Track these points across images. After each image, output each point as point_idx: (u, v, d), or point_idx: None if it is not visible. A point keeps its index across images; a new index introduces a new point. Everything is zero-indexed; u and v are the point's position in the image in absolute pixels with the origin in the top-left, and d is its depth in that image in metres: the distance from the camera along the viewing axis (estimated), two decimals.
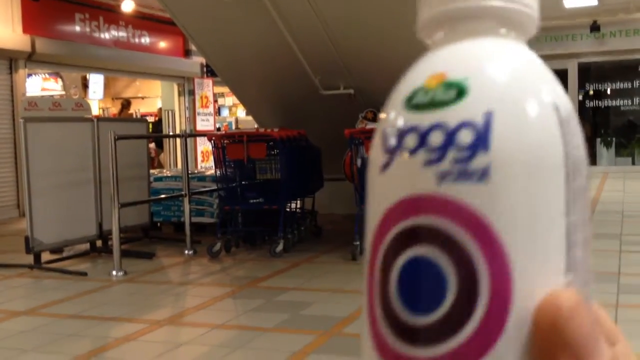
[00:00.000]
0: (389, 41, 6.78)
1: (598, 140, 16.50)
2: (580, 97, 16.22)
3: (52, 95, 11.07)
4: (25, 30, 9.54)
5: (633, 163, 16.12)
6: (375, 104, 7.56)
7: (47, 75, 12.66)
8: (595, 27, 15.10)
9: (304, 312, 4.27)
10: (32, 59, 9.72)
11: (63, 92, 12.62)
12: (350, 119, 7.44)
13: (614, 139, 16.35)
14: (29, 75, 12.32)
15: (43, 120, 5.97)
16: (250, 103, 8.70)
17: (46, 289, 5.25)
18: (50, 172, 5.96)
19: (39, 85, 12.56)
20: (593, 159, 16.45)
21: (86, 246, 6.58)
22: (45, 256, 6.27)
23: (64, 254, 6.49)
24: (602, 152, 16.52)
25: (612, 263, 5.44)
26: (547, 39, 15.84)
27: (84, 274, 5.65)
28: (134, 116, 13.43)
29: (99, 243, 6.62)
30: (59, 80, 12.83)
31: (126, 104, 13.28)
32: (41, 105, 6.11)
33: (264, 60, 7.44)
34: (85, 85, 13.76)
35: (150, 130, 11.38)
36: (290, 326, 3.97)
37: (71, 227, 6.14)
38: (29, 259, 5.90)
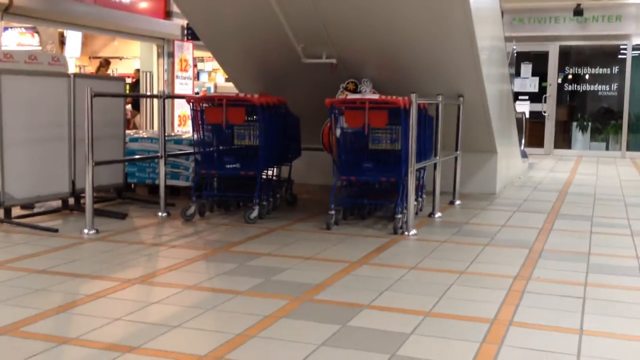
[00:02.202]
0: (374, 12, 6.72)
1: (574, 124, 16.64)
2: (559, 81, 16.31)
3: (28, 50, 10.83)
4: None
5: (607, 148, 16.31)
6: (357, 74, 7.52)
7: (23, 30, 12.41)
8: (578, 11, 15.15)
9: (277, 277, 4.28)
10: (8, 12, 9.49)
11: (40, 48, 12.38)
12: (331, 89, 7.40)
13: (589, 123, 16.51)
14: (5, 28, 12.06)
15: (18, 73, 5.85)
16: (231, 68, 8.61)
17: (16, 244, 5.18)
18: (24, 127, 5.86)
19: (15, 40, 12.30)
20: (568, 142, 16.61)
21: (58, 203, 6.50)
22: (16, 211, 6.20)
23: (35, 210, 6.41)
24: (577, 136, 16.69)
25: (582, 243, 5.51)
26: (530, 21, 15.87)
27: (55, 230, 5.59)
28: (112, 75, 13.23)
29: (71, 201, 6.55)
30: (36, 35, 12.57)
31: (104, 62, 13.06)
32: (17, 58, 5.98)
33: (246, 24, 7.34)
34: (62, 42, 13.50)
35: (128, 92, 11.23)
36: (262, 291, 3.97)
37: (44, 183, 6.06)
38: None
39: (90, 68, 14.80)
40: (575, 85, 16.42)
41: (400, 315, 3.55)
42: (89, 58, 15.12)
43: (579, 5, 15.05)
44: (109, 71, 13.64)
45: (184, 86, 13.31)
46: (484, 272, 4.54)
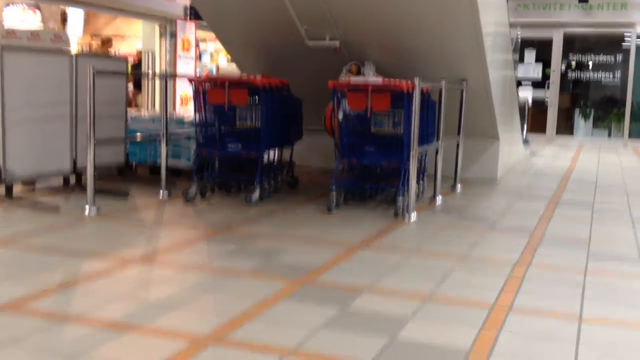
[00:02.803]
0: None
1: (576, 111, 16.61)
2: (563, 68, 16.25)
3: (30, 28, 10.77)
4: None
5: (609, 136, 16.28)
6: (360, 57, 7.49)
7: (25, 7, 12.32)
8: None
9: (277, 259, 4.28)
10: None
11: (41, 25, 12.30)
12: (334, 71, 7.37)
13: (592, 111, 16.47)
14: (7, 5, 11.99)
15: (21, 50, 5.82)
16: (234, 48, 8.57)
17: (17, 221, 5.18)
18: (27, 104, 5.84)
19: (18, 16, 12.22)
20: (570, 129, 16.58)
21: (59, 181, 6.50)
22: (18, 188, 6.19)
23: (37, 187, 6.41)
24: (580, 123, 16.66)
25: (583, 230, 5.52)
26: (535, 7, 15.78)
27: (57, 208, 5.59)
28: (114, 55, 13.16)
29: (72, 179, 6.54)
30: (37, 12, 12.49)
31: (107, 40, 13.00)
32: (19, 35, 5.95)
33: (250, 5, 7.30)
34: (64, 20, 13.42)
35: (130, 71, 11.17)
36: (262, 272, 3.97)
37: (45, 160, 6.05)
38: (1, 190, 5.82)
39: (94, 46, 14.72)
40: (579, 73, 16.37)
41: (400, 299, 3.56)
42: (91, 36, 15.04)
43: None
44: (111, 49, 13.56)
45: (186, 66, 13.25)
46: (484, 257, 4.54)
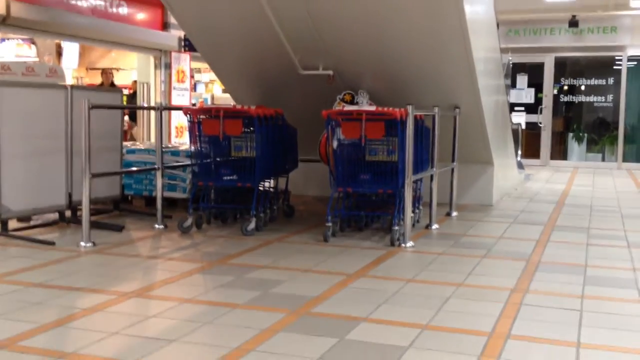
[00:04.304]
0: (371, 24, 6.76)
1: (570, 135, 16.69)
2: (555, 92, 16.36)
3: (25, 62, 10.84)
4: None
5: (603, 159, 16.35)
6: (353, 86, 7.55)
7: (20, 41, 12.42)
8: (573, 23, 15.22)
9: (274, 290, 4.27)
10: (6, 23, 9.50)
11: (37, 59, 12.38)
12: (328, 100, 7.42)
13: (585, 134, 16.55)
14: (2, 39, 12.08)
15: (16, 85, 5.85)
16: (227, 79, 8.63)
17: (12, 257, 5.17)
18: (22, 139, 5.86)
19: (13, 51, 12.31)
20: (564, 153, 16.65)
21: (55, 216, 6.50)
22: (13, 224, 6.18)
23: (32, 223, 6.40)
24: (574, 147, 16.72)
25: (579, 255, 5.52)
26: (526, 32, 15.94)
27: (52, 243, 5.58)
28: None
29: (68, 213, 6.54)
30: (33, 46, 12.59)
31: (108, 71, 13.06)
32: (14, 70, 5.99)
33: (244, 36, 7.37)
34: (59, 53, 13.51)
35: (125, 103, 11.22)
36: (260, 304, 3.96)
37: (40, 195, 6.05)
38: None
39: (88, 79, 14.80)
40: (571, 96, 16.48)
41: (397, 328, 3.55)
42: (86, 69, 15.13)
43: (574, 16, 15.12)
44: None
45: (181, 97, 13.32)
46: (481, 284, 4.54)
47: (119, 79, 14.77)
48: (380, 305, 3.97)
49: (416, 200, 6.56)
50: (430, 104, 6.65)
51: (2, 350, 3.11)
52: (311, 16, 6.75)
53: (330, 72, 7.39)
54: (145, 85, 12.97)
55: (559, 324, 3.67)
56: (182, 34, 12.47)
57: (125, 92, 12.80)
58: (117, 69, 14.66)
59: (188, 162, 7.01)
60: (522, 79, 16.27)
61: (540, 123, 16.08)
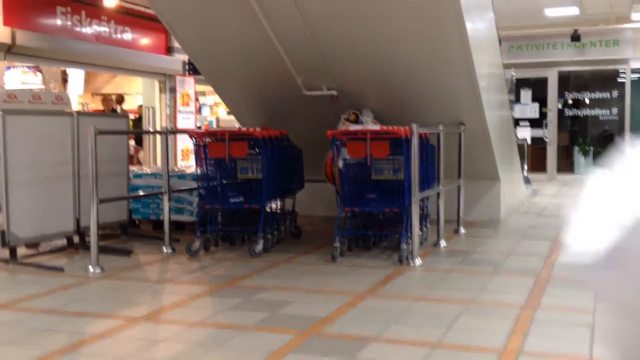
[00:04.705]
0: (373, 44, 6.79)
1: (576, 149, 16.66)
2: (560, 106, 16.37)
3: (31, 89, 10.93)
4: (6, 22, 9.41)
5: None
6: (357, 105, 7.57)
7: (26, 69, 12.50)
8: (575, 37, 15.24)
9: (283, 311, 4.26)
10: (11, 52, 9.59)
11: (42, 86, 12.47)
12: (333, 120, 7.43)
13: (591, 148, 16.52)
14: (8, 68, 12.16)
15: (23, 113, 5.89)
16: (232, 102, 8.67)
17: (22, 284, 5.18)
18: (29, 166, 5.89)
19: (19, 78, 12.39)
20: (570, 167, 16.60)
21: (63, 242, 6.51)
22: (21, 251, 6.19)
23: (40, 249, 6.41)
24: (580, 160, 16.67)
25: None
26: (528, 47, 15.97)
27: (61, 269, 5.58)
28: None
29: (76, 239, 6.55)
30: (38, 74, 12.67)
31: (119, 99, 13.12)
32: (21, 98, 6.05)
33: (247, 59, 7.42)
34: (64, 79, 13.60)
35: (131, 127, 11.26)
36: (269, 325, 3.95)
37: (48, 221, 6.07)
38: (5, 253, 5.82)
39: (94, 105, 14.88)
40: (576, 110, 16.47)
41: (408, 347, 3.53)
42: (92, 95, 15.22)
43: (576, 31, 15.16)
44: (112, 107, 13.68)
45: (186, 120, 13.38)
46: (491, 301, 4.51)
47: (125, 104, 14.86)
48: (390, 324, 3.95)
49: (423, 218, 6.54)
50: (434, 122, 6.66)
51: None
52: (314, 38, 6.80)
53: (334, 92, 7.42)
54: (150, 109, 13.05)
55: (570, 339, 3.65)
56: (186, 57, 12.55)
57: (131, 116, 12.87)
58: (122, 95, 14.68)
59: (195, 185, 7.02)
60: (526, 94, 16.28)
61: (546, 138, 16.07)
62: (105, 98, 13.20)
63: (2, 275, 5.50)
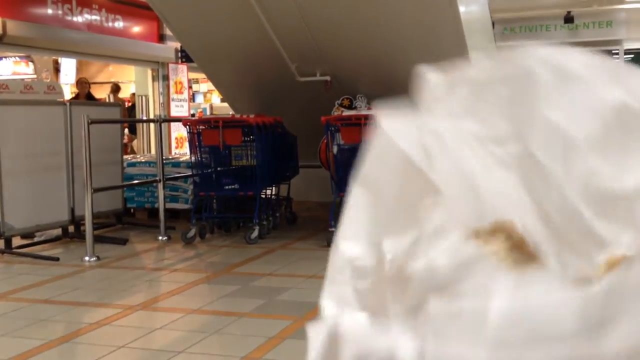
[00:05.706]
0: (367, 28, 6.77)
1: None
2: None
3: (23, 79, 10.88)
4: None
5: None
6: (351, 91, 7.55)
7: (18, 59, 12.44)
8: (569, 19, 15.23)
9: (280, 297, 4.27)
10: (3, 42, 9.54)
11: (34, 76, 12.40)
12: (327, 106, 7.42)
13: None
14: (0, 58, 12.11)
15: (14, 103, 5.87)
16: (225, 89, 8.64)
17: (17, 274, 5.17)
18: (22, 156, 5.86)
19: (10, 69, 12.34)
20: None
21: (58, 231, 6.50)
22: (16, 241, 6.19)
23: (36, 239, 6.40)
24: None
25: None
26: (522, 29, 15.97)
27: (56, 259, 5.58)
28: (107, 101, 13.23)
29: (71, 229, 6.54)
30: (30, 63, 12.61)
31: (115, 88, 12.99)
32: (12, 88, 6.00)
33: (240, 46, 7.38)
34: (56, 69, 13.53)
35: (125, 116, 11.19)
36: (266, 311, 3.96)
37: (43, 211, 6.05)
38: (0, 243, 5.81)
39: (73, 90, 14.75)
40: None
41: None
42: (82, 83, 15.12)
43: (569, 12, 15.14)
44: (103, 96, 13.60)
45: (179, 108, 13.34)
46: None
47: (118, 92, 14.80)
48: None
49: None
50: None
51: None
52: (307, 24, 6.77)
53: (328, 78, 7.40)
54: (143, 97, 13.00)
55: None
56: (178, 45, 12.49)
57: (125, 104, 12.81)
58: (118, 84, 14.56)
59: (189, 173, 7.01)
60: None
61: None
62: (80, 81, 12.70)
63: None
